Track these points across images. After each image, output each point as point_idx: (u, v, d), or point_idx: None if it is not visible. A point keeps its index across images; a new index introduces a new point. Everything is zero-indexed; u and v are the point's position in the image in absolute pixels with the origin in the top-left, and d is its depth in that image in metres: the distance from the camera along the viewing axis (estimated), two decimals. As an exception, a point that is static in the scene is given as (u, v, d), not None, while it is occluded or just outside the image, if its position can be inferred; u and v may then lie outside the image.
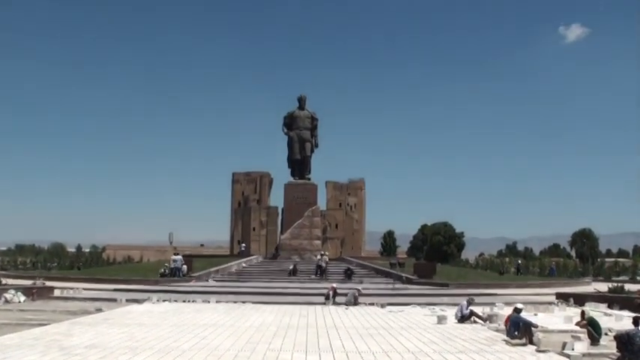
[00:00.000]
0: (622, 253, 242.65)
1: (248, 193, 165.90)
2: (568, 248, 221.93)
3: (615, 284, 44.48)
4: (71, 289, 41.77)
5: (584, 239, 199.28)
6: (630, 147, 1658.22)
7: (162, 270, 56.64)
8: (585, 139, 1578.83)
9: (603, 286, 47.49)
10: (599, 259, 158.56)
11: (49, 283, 44.86)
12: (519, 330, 20.43)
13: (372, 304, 35.27)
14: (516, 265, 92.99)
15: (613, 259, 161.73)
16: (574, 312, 30.76)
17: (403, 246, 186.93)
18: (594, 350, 19.06)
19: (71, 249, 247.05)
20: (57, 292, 40.24)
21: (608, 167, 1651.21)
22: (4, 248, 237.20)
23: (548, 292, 46.61)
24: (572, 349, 18.02)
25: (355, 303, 34.95)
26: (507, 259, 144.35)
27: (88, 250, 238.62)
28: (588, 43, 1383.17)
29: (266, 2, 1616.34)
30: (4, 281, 43.06)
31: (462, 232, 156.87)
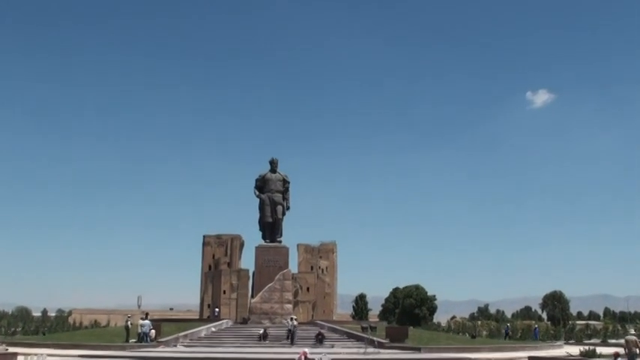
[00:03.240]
0: (593, 316, 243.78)
1: (219, 255, 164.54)
2: (539, 310, 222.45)
3: (587, 347, 44.47)
4: (35, 355, 40.60)
5: (555, 302, 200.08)
6: (598, 211, 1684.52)
7: (139, 332, 55.06)
8: (553, 204, 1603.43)
9: (575, 349, 47.47)
10: (570, 322, 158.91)
11: (12, 349, 43.52)
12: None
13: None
14: (506, 329, 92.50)
15: (584, 322, 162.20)
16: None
17: (375, 309, 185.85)
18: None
19: (36, 313, 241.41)
20: (20, 359, 39.07)
21: (577, 231, 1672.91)
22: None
23: (521, 356, 46.42)
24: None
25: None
26: (479, 322, 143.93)
27: (53, 314, 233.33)
28: (554, 108, 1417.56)
29: (234, 65, 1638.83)
30: (-36, 348, 41.73)
31: (434, 295, 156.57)
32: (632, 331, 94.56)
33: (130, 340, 54.29)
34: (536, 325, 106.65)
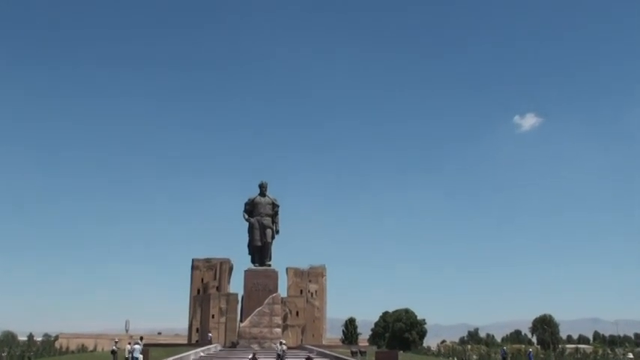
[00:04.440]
0: (582, 340, 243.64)
1: (208, 279, 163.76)
2: (529, 334, 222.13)
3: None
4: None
5: (545, 325, 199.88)
6: (586, 234, 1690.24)
7: (126, 357, 54.28)
8: (542, 227, 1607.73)
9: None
10: (560, 346, 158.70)
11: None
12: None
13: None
14: (502, 353, 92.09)
15: (574, 346, 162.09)
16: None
17: (365, 333, 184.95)
18: None
19: (22, 337, 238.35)
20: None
21: (566, 254, 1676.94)
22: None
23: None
24: None
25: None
26: (469, 347, 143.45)
27: (40, 338, 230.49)
28: (541, 132, 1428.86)
29: (225, 86, 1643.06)
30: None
31: (424, 319, 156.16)
32: (630, 355, 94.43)
33: (117, 365, 53.79)
34: (530, 349, 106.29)
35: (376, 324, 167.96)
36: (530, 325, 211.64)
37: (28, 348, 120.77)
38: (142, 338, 59.15)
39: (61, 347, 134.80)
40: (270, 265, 77.50)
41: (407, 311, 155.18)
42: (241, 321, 77.34)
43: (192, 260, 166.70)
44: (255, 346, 69.34)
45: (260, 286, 74.96)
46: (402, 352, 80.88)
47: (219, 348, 75.35)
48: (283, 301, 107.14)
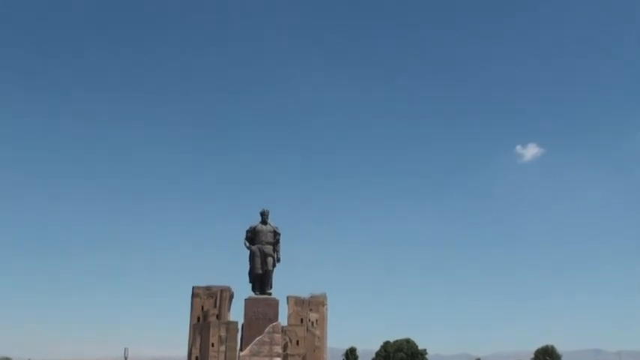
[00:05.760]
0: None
1: (208, 307, 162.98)
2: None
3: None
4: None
5: (547, 356, 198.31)
6: (588, 264, 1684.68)
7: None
8: (544, 255, 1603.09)
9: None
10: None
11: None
12: None
13: None
14: None
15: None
16: None
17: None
18: None
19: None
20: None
21: (568, 283, 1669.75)
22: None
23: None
24: None
25: None
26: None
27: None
28: (543, 162, 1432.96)
29: (226, 111, 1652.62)
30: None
31: (425, 350, 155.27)
32: None
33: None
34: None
35: (377, 354, 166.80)
36: (532, 355, 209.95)
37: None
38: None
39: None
40: (270, 294, 77.04)
41: (408, 341, 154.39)
42: (241, 350, 76.63)
43: (193, 288, 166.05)
44: (255, 376, 68.80)
45: (260, 314, 74.38)
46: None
47: (218, 377, 74.83)
48: (284, 330, 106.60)
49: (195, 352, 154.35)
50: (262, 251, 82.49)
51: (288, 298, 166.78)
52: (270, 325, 78.58)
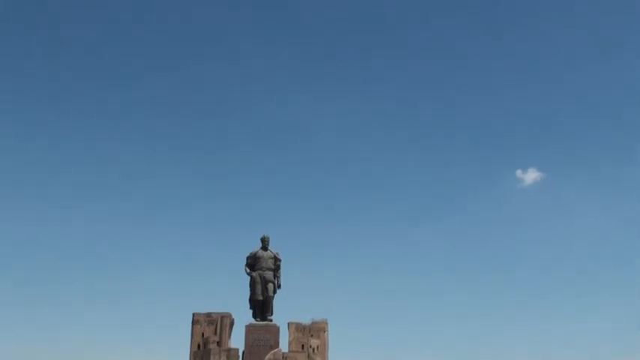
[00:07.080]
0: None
1: (208, 334, 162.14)
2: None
3: None
4: None
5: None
6: (588, 290, 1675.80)
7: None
8: (545, 281, 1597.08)
9: None
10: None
11: None
12: None
13: None
14: None
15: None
16: None
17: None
18: None
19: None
20: None
21: (569, 311, 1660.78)
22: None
23: None
24: None
25: None
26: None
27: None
28: (543, 187, 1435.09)
29: (224, 136, 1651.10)
30: None
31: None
32: None
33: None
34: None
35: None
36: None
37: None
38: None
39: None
40: (271, 320, 76.81)
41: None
42: (242, 377, 76.52)
43: (193, 314, 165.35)
44: (256, 403, 68.36)
45: (261, 341, 73.99)
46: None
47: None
48: (285, 357, 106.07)
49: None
50: (263, 277, 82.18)
51: (289, 324, 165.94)
52: (271, 352, 78.15)
